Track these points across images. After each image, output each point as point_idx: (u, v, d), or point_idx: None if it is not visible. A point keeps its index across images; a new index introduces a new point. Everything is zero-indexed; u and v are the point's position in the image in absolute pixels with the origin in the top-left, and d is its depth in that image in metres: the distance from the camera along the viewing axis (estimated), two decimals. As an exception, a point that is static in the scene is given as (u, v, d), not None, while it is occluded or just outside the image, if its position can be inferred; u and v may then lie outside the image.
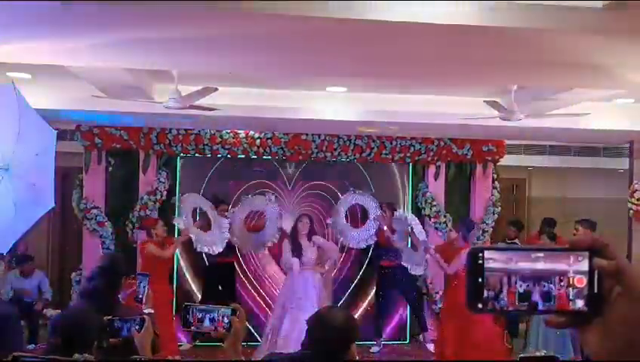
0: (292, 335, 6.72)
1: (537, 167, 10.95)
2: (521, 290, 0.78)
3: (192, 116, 6.60)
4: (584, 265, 0.79)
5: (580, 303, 0.78)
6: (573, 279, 0.79)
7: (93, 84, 6.01)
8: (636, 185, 8.23)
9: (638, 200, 8.19)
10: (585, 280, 0.78)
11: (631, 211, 8.28)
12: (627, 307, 0.76)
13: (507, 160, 9.26)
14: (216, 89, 5.77)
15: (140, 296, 3.69)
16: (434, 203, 8.67)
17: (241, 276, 8.34)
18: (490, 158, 8.86)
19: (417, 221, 7.56)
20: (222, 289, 7.88)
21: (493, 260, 0.79)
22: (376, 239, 7.87)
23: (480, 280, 0.78)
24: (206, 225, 7.39)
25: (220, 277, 7.94)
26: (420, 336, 8.33)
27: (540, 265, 0.79)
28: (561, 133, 7.95)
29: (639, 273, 0.77)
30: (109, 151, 8.28)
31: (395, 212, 7.88)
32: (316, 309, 6.23)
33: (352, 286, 8.57)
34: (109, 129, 8.11)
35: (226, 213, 7.57)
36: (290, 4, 3.48)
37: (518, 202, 12.04)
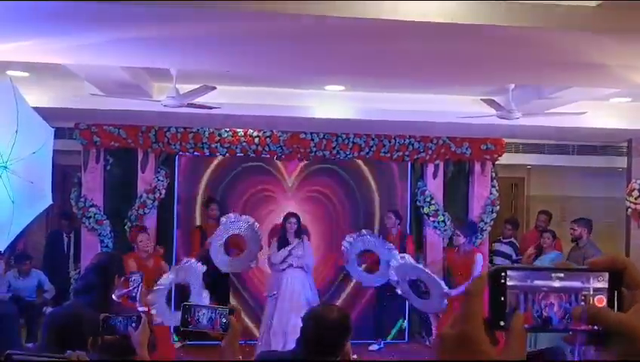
0: (286, 330, 6.77)
1: (536, 165, 10.95)
2: (541, 309, 0.79)
3: (190, 114, 6.61)
4: (604, 285, 0.79)
5: None
6: (592, 298, 0.79)
7: (91, 82, 6.02)
8: (634, 184, 8.25)
9: (636, 198, 8.21)
10: (604, 300, 0.79)
11: (629, 209, 8.30)
12: None
13: (506, 158, 9.27)
14: (214, 87, 5.78)
15: (134, 295, 3.69)
16: (432, 201, 8.67)
17: (235, 280, 8.31)
18: (488, 157, 8.86)
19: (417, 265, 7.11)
20: (216, 294, 7.83)
21: (514, 279, 0.79)
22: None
23: (502, 299, 0.79)
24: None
25: (214, 282, 7.91)
26: (426, 341, 8.35)
27: (559, 284, 0.79)
28: (559, 131, 7.96)
29: None
30: (108, 149, 8.29)
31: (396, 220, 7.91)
32: (308, 305, 6.28)
33: (351, 285, 8.58)
34: (107, 127, 8.11)
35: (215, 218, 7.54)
36: (289, 4, 3.49)
37: (517, 201, 12.05)
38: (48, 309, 6.59)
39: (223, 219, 7.26)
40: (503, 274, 0.79)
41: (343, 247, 7.53)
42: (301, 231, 7.42)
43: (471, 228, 7.28)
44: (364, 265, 7.73)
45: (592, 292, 0.79)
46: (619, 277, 0.78)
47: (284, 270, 7.19)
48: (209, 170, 8.50)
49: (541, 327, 0.79)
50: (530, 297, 0.79)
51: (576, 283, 0.79)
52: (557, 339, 6.37)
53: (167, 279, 6.23)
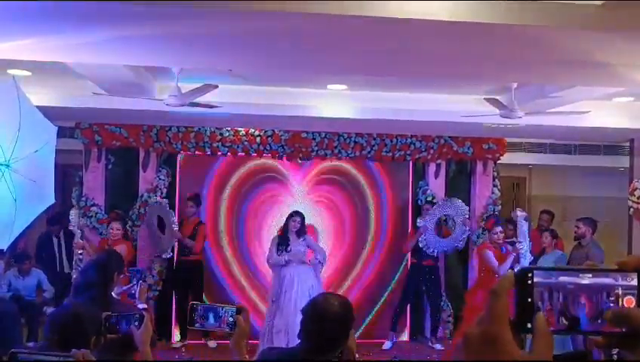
0: (288, 329, 6.75)
1: (538, 165, 10.94)
2: (568, 311, 0.76)
3: (192, 113, 6.60)
4: (633, 285, 0.76)
5: None
6: (622, 300, 0.76)
7: (94, 81, 6.01)
8: (636, 183, 8.21)
9: (638, 198, 8.16)
10: (634, 301, 0.76)
11: (631, 209, 8.27)
12: None
13: (508, 158, 9.26)
14: (216, 86, 5.78)
15: (133, 292, 3.70)
16: (434, 201, 8.66)
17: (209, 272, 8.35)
18: (490, 156, 8.85)
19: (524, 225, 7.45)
20: (189, 288, 7.90)
21: (537, 276, 0.77)
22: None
23: (529, 300, 0.77)
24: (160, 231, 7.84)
25: (187, 275, 7.98)
26: (428, 334, 8.38)
27: (588, 281, 0.76)
28: (562, 131, 7.95)
29: None
30: (109, 148, 8.28)
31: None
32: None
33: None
34: (108, 126, 8.11)
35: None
36: (291, 3, 3.47)
37: (519, 200, 12.03)
38: (49, 309, 6.59)
39: None
40: (529, 274, 0.77)
41: (419, 223, 8.06)
42: (303, 231, 7.40)
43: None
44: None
45: (621, 292, 0.76)
46: None
47: (285, 266, 7.18)
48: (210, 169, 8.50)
49: (568, 329, 0.77)
50: (555, 295, 0.76)
51: (608, 280, 0.77)
52: (579, 341, 6.36)
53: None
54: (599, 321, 0.76)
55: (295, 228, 7.29)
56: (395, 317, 8.27)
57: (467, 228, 8.20)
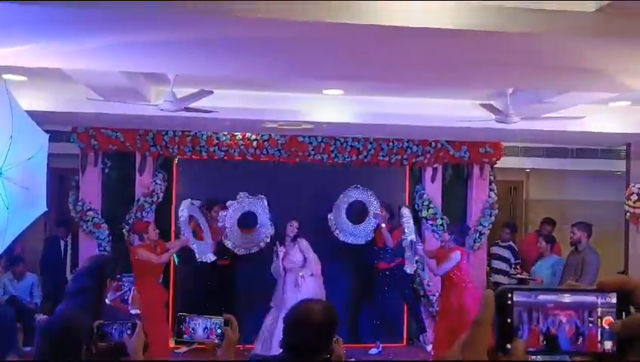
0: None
1: (535, 169, 10.94)
2: (548, 330, 0.75)
3: (188, 118, 6.60)
4: (613, 303, 0.76)
5: (608, 345, 0.75)
6: (601, 320, 0.76)
7: (89, 86, 6.01)
8: (633, 188, 8.23)
9: (634, 202, 8.19)
10: (613, 321, 0.76)
11: (628, 213, 8.28)
12: None
13: (504, 162, 9.26)
14: (211, 92, 5.77)
15: (126, 298, 3.69)
16: (431, 205, 8.66)
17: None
18: (487, 160, 8.85)
19: (410, 219, 7.53)
20: (220, 290, 7.88)
21: (517, 295, 0.76)
22: (372, 237, 7.93)
23: (509, 320, 0.76)
24: (199, 235, 7.54)
25: (219, 279, 7.94)
26: (420, 338, 8.33)
27: (569, 299, 0.75)
28: (558, 135, 7.95)
29: None
30: (106, 152, 8.28)
31: (390, 212, 7.95)
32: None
33: (349, 288, 8.56)
34: (105, 131, 8.10)
35: (219, 215, 7.64)
36: (286, 9, 3.47)
37: (516, 204, 12.04)
38: (40, 317, 6.55)
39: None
40: (509, 295, 0.76)
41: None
42: (297, 236, 7.45)
43: (460, 230, 7.31)
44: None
45: (600, 311, 0.76)
46: (627, 297, 0.76)
47: (285, 273, 7.25)
48: (206, 174, 8.48)
49: (548, 349, 0.76)
50: (535, 315, 0.76)
51: (588, 299, 0.76)
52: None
53: (182, 211, 7.26)
54: (580, 341, 0.75)
55: (292, 233, 7.32)
56: (375, 323, 8.22)
57: (376, 221, 7.98)
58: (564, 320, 0.75)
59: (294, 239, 7.37)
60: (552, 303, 0.76)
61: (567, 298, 0.76)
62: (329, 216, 8.01)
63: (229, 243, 7.63)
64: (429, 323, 8.27)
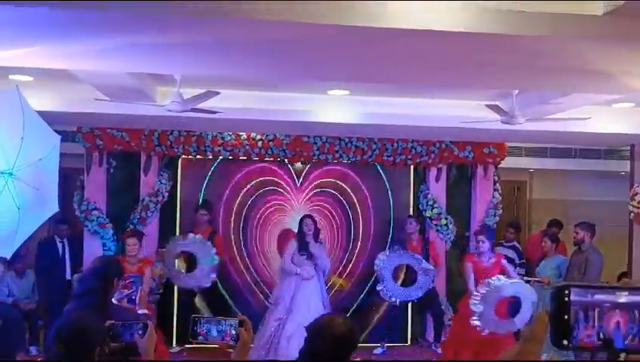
0: (296, 336, 6.71)
1: (539, 169, 10.95)
2: (603, 329, 0.75)
3: (193, 118, 6.61)
4: None
5: None
6: None
7: (95, 87, 6.02)
8: (637, 188, 8.24)
9: (638, 202, 8.20)
10: None
11: (632, 214, 8.29)
12: None
13: (508, 162, 9.27)
14: (218, 93, 5.79)
15: (134, 298, 3.72)
16: (435, 205, 8.67)
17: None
18: (491, 161, 8.86)
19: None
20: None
21: (575, 299, 0.76)
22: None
23: (566, 317, 0.76)
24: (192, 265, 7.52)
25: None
26: (434, 344, 8.34)
27: (625, 299, 0.75)
28: (562, 136, 7.96)
29: None
30: (111, 152, 8.29)
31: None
32: (317, 313, 6.25)
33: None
34: (110, 130, 8.11)
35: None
36: (292, 11, 3.49)
37: (520, 204, 12.04)
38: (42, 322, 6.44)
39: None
40: (566, 291, 0.76)
41: (375, 266, 7.78)
42: (319, 233, 7.46)
43: (490, 232, 7.33)
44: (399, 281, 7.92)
45: None
46: None
47: (297, 274, 7.19)
48: (210, 173, 8.51)
49: (602, 347, 0.75)
50: (590, 314, 0.75)
51: None
52: None
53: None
54: (636, 340, 0.75)
55: (310, 230, 7.31)
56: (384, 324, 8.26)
57: (431, 279, 7.84)
58: (619, 319, 0.76)
59: (316, 238, 7.35)
60: (608, 303, 0.76)
61: (623, 297, 0.75)
62: (379, 288, 7.76)
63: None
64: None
